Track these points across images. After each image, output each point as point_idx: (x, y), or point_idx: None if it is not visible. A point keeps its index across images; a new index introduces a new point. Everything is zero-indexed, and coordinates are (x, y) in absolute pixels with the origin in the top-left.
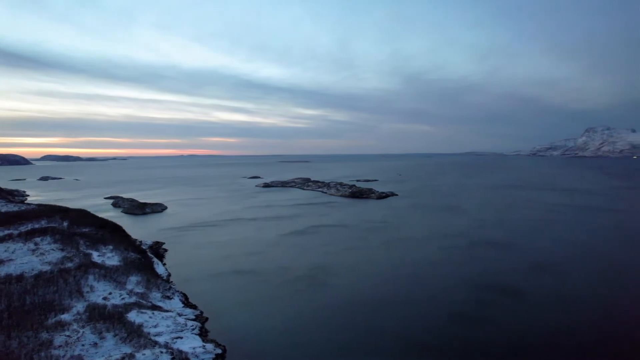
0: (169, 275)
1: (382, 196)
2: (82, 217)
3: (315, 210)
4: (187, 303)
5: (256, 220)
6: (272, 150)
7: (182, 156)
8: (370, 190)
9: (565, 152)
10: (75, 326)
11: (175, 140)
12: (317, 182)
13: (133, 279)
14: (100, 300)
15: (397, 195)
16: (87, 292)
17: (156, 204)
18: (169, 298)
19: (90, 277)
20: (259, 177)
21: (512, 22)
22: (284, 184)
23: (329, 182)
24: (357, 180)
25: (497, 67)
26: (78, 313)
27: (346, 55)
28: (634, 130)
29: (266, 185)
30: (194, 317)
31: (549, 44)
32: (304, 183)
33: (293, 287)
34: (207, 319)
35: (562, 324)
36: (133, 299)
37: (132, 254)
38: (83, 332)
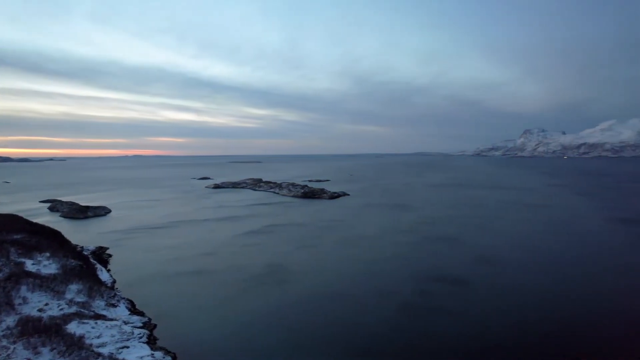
0: (114, 281)
1: (334, 196)
2: (12, 222)
3: (268, 210)
4: (134, 310)
5: (208, 221)
6: (222, 151)
7: (126, 157)
8: (322, 191)
9: (505, 153)
10: (4, 342)
11: (119, 140)
12: (269, 182)
13: (73, 287)
14: (34, 313)
15: (348, 195)
16: (20, 304)
17: (99, 207)
18: (113, 306)
19: (23, 288)
20: (209, 178)
21: (456, 28)
22: (235, 185)
23: (281, 183)
24: (309, 181)
25: (443, 71)
26: (8, 328)
27: (296, 54)
28: (564, 133)
29: (216, 187)
30: (141, 324)
31: (490, 50)
32: (256, 184)
33: (248, 286)
34: (155, 325)
35: (504, 310)
36: (73, 309)
37: (72, 261)
38: (14, 347)
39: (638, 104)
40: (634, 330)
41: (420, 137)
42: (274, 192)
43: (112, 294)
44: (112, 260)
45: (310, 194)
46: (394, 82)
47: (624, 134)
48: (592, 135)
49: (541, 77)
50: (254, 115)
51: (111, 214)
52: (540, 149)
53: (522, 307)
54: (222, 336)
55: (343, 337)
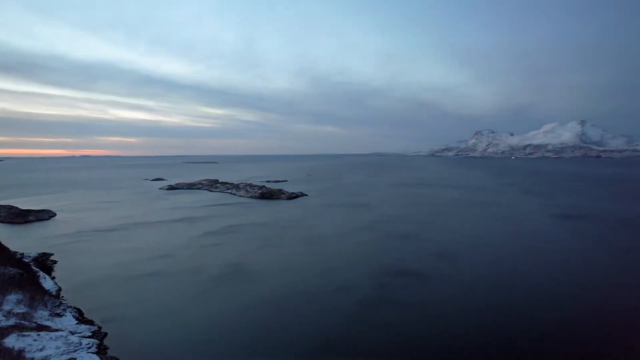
0: (60, 289)
1: (293, 196)
2: None
3: (226, 211)
4: (81, 319)
5: (163, 223)
6: (176, 151)
7: (73, 157)
8: (281, 191)
9: (458, 153)
10: None
11: (66, 140)
12: (226, 183)
13: (12, 298)
14: None
15: (307, 195)
16: None
17: (42, 210)
18: (59, 315)
19: None
20: (163, 179)
21: (411, 31)
22: (190, 186)
23: (238, 184)
24: (267, 181)
25: (399, 73)
26: None
27: (253, 54)
28: (512, 134)
29: (171, 188)
30: (90, 333)
31: (444, 53)
32: (212, 185)
33: (207, 288)
34: (106, 334)
35: (460, 300)
36: (12, 321)
37: (12, 269)
38: None
39: (576, 108)
40: (570, 314)
41: (378, 138)
42: (231, 193)
43: (57, 303)
44: (57, 267)
45: (268, 194)
46: (352, 83)
47: (564, 135)
48: (537, 136)
49: (492, 80)
50: (209, 114)
51: (56, 217)
52: (490, 149)
53: (476, 296)
54: (179, 341)
55: (306, 335)
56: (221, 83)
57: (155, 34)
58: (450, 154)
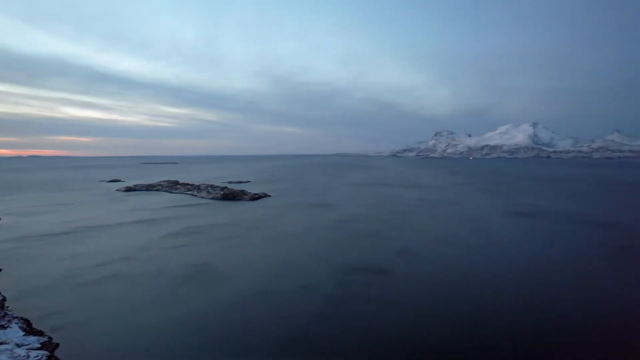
0: (4, 299)
1: (255, 197)
2: None
3: (188, 212)
4: (30, 330)
5: (120, 225)
6: (134, 151)
7: (20, 157)
8: (243, 192)
9: (419, 153)
10: None
11: (11, 139)
12: (186, 184)
13: None
14: None
15: (270, 196)
16: None
17: None
18: (3, 327)
19: None
20: (120, 181)
21: (373, 32)
22: (149, 188)
23: (199, 185)
24: (229, 182)
25: (361, 73)
26: None
27: (214, 52)
28: (470, 135)
29: (128, 189)
30: (39, 345)
31: (404, 55)
32: (172, 186)
33: (169, 290)
34: (57, 345)
35: (423, 294)
36: None
37: None
38: None
39: (529, 110)
40: (524, 301)
41: (340, 138)
42: (192, 195)
43: (2, 314)
44: (1, 275)
45: (230, 195)
46: (314, 84)
47: (518, 137)
48: (493, 138)
49: (450, 83)
50: (168, 114)
51: (0, 222)
52: (449, 150)
53: (438, 290)
54: (138, 345)
55: (270, 333)
56: (181, 81)
57: (108, 29)
58: (411, 154)
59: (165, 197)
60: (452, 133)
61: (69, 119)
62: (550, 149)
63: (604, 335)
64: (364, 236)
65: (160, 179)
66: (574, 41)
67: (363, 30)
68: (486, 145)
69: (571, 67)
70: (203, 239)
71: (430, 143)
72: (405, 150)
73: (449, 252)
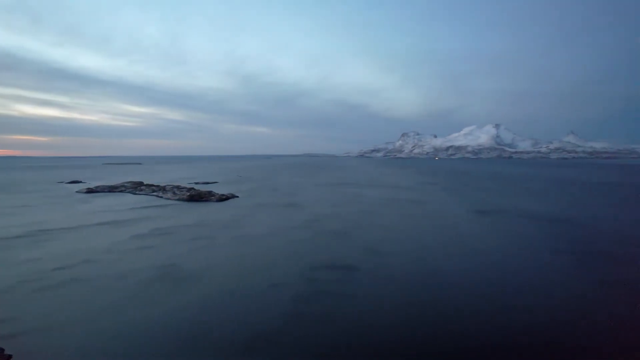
0: None
1: (223, 198)
2: None
3: (154, 213)
4: None
5: (82, 227)
6: (95, 151)
7: None
8: (210, 193)
9: (386, 154)
10: None
11: None
12: (151, 185)
13: None
14: None
15: (238, 197)
16: None
17: None
18: None
19: None
20: (80, 182)
21: (340, 33)
22: (112, 189)
23: (164, 186)
24: (196, 183)
25: (328, 74)
26: None
27: (179, 50)
28: (435, 136)
29: (90, 191)
30: None
31: (371, 57)
32: (136, 187)
33: (134, 292)
34: (10, 356)
35: (391, 290)
36: None
37: None
38: None
39: (492, 112)
40: (487, 294)
41: (308, 139)
42: (157, 196)
43: None
44: None
45: (197, 196)
46: (281, 84)
47: (481, 138)
48: (458, 138)
49: (417, 85)
50: (132, 112)
51: None
52: (416, 150)
53: (405, 286)
54: (99, 352)
55: (240, 331)
56: (145, 79)
57: (65, 22)
58: (378, 154)
59: (129, 199)
60: (418, 134)
61: (23, 117)
62: (512, 150)
63: (563, 331)
64: (333, 235)
65: (124, 180)
66: (535, 46)
67: (330, 31)
68: (451, 146)
69: (531, 70)
70: (170, 240)
71: (398, 144)
72: (373, 151)
73: (415, 249)
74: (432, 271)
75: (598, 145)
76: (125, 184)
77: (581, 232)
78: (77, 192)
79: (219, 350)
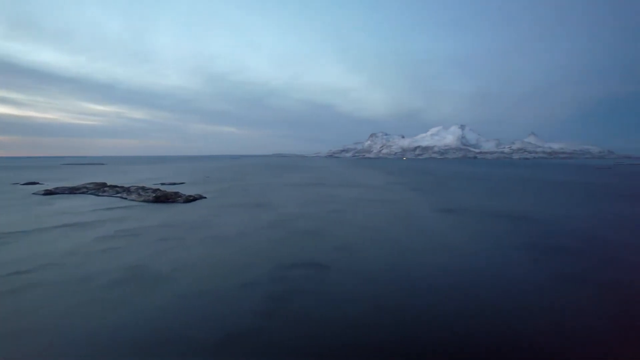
0: None
1: (190, 199)
2: None
3: (118, 215)
4: None
5: (41, 230)
6: (54, 151)
7: None
8: (177, 194)
9: (355, 154)
10: None
11: None
12: (115, 186)
13: None
14: None
15: (205, 197)
16: None
17: None
18: None
19: None
20: (37, 183)
21: (310, 34)
22: (72, 190)
23: (129, 187)
24: (162, 184)
25: (297, 74)
26: None
27: (143, 47)
28: (403, 137)
29: (49, 193)
30: None
31: (340, 57)
32: (99, 188)
33: (99, 295)
34: None
35: (358, 287)
36: None
37: None
38: None
39: (458, 113)
40: (450, 288)
41: (277, 139)
42: (121, 197)
43: None
44: None
45: (163, 197)
46: (250, 83)
47: (448, 138)
48: (424, 139)
49: (385, 85)
50: (93, 111)
51: None
52: (384, 150)
53: (374, 282)
54: (58, 356)
55: (211, 331)
56: (107, 77)
57: (18, 14)
58: (348, 155)
59: (91, 201)
60: (386, 134)
61: None
62: (477, 150)
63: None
64: (303, 234)
65: (86, 181)
66: (500, 49)
67: (300, 31)
68: (418, 146)
69: (497, 73)
70: (137, 241)
71: (366, 144)
72: (342, 151)
73: (383, 247)
74: (403, 268)
75: (556, 145)
76: (87, 185)
77: (539, 229)
78: (34, 193)
79: (189, 351)
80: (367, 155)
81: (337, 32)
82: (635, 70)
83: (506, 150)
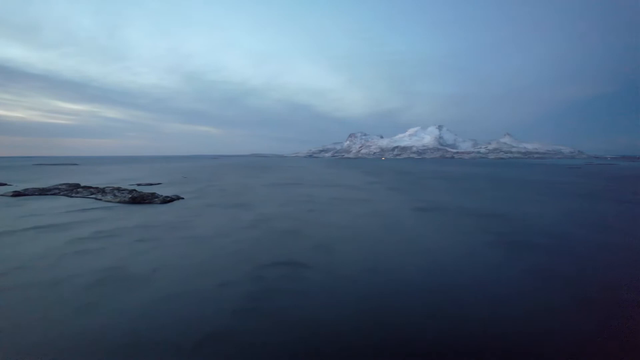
0: None
1: (167, 200)
2: None
3: (93, 216)
4: None
5: (11, 233)
6: (23, 151)
7: None
8: (154, 195)
9: (334, 154)
10: None
11: None
12: (89, 187)
13: None
14: None
15: (183, 198)
16: None
17: None
18: None
19: None
20: (5, 184)
21: (288, 33)
22: (43, 192)
23: (104, 188)
24: (138, 184)
25: (276, 73)
26: None
27: (117, 44)
28: (382, 137)
29: (17, 194)
30: None
31: (319, 57)
32: (72, 189)
33: (74, 299)
34: None
35: (337, 286)
36: None
37: None
38: None
39: (435, 113)
40: (424, 287)
41: (256, 139)
42: (96, 199)
43: None
44: None
45: (139, 198)
46: (228, 82)
47: (425, 138)
48: (403, 139)
49: (364, 86)
50: (65, 109)
51: None
52: (363, 150)
53: (352, 281)
54: None
55: (188, 332)
56: (80, 75)
57: None
58: (327, 155)
59: (64, 202)
60: (365, 134)
61: None
62: (454, 150)
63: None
64: (282, 233)
65: (58, 182)
66: (478, 50)
67: (278, 30)
68: (397, 147)
69: (474, 74)
70: (113, 242)
71: (345, 144)
72: (321, 151)
73: (361, 245)
74: (380, 267)
75: (530, 146)
76: (60, 186)
77: (512, 226)
78: (1, 195)
79: (166, 352)
80: (346, 155)
81: (316, 32)
82: (605, 73)
83: (482, 150)
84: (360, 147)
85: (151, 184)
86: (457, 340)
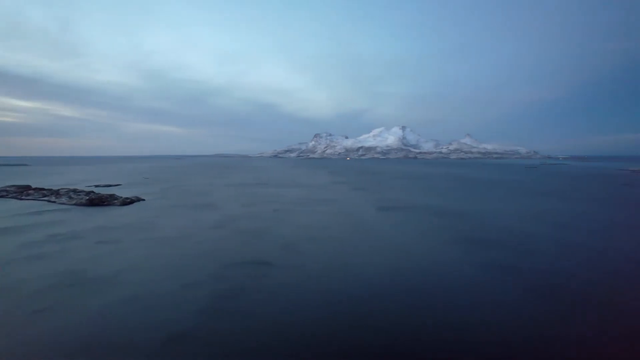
0: None
1: (127, 202)
2: None
3: (48, 219)
4: None
5: None
6: None
7: None
8: (113, 196)
9: (300, 154)
10: None
11: None
12: (41, 189)
13: None
14: None
15: (144, 200)
16: None
17: None
18: None
19: None
20: None
21: (253, 32)
22: None
23: (58, 190)
24: (96, 186)
25: (240, 72)
26: None
27: (71, 38)
28: (347, 137)
29: None
30: None
31: (284, 57)
32: (22, 192)
33: (29, 305)
34: None
35: (303, 285)
36: None
37: None
38: None
39: (399, 114)
40: (391, 284)
41: (220, 139)
42: (49, 201)
43: None
44: None
45: (97, 200)
46: (191, 81)
47: (389, 139)
48: (367, 139)
49: (328, 86)
50: (13, 106)
51: None
52: (329, 151)
53: (318, 279)
54: None
55: (152, 334)
56: (30, 70)
57: None
58: (292, 155)
59: (13, 205)
60: (330, 135)
61: None
62: (417, 150)
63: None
64: (248, 234)
65: (6, 184)
66: (441, 52)
67: (242, 28)
68: (362, 147)
69: (437, 75)
70: (71, 245)
71: (311, 144)
72: (286, 151)
73: (327, 245)
74: (346, 265)
75: (489, 146)
76: (8, 188)
77: (470, 223)
78: None
79: (131, 354)
80: (312, 155)
81: (282, 32)
82: (560, 76)
83: (444, 150)
84: (326, 147)
85: (110, 185)
86: (420, 331)
